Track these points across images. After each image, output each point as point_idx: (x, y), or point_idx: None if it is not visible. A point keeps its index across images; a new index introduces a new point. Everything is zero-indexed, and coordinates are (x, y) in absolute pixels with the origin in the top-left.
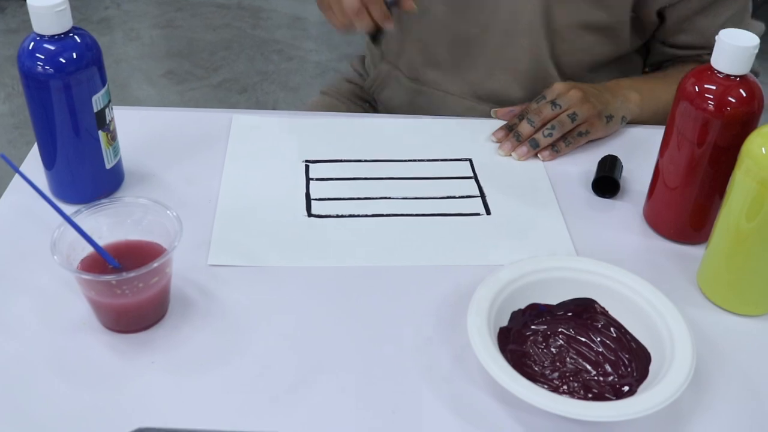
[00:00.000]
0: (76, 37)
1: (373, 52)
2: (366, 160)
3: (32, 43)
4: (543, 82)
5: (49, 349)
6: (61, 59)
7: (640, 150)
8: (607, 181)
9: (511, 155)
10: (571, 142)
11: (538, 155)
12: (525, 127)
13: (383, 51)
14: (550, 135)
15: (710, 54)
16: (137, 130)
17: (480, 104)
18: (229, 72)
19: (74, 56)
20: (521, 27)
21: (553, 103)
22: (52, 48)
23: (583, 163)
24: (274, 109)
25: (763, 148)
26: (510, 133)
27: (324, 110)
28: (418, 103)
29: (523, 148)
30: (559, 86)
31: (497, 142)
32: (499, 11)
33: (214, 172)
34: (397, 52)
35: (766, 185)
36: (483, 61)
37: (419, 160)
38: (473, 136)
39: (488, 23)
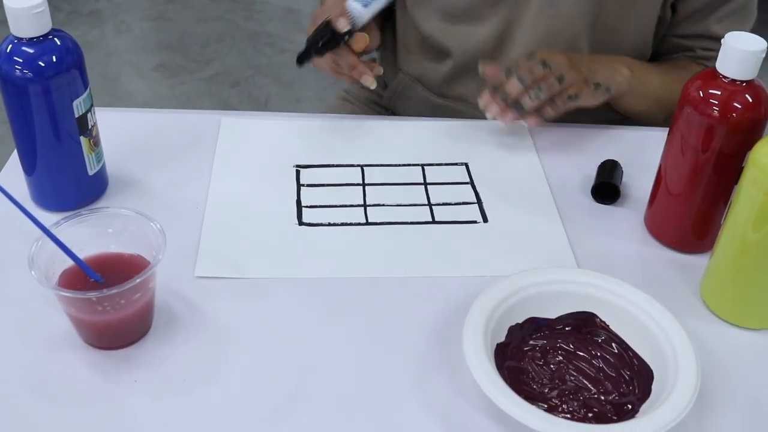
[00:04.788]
0: (56, 39)
1: (386, 59)
2: (358, 165)
3: (10, 46)
4: None
5: (28, 366)
6: (41, 63)
7: (641, 154)
8: (607, 187)
9: (496, 119)
10: (559, 107)
11: (524, 122)
12: (514, 86)
13: (398, 60)
14: (537, 97)
15: (704, 48)
16: (121, 132)
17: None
18: (221, 65)
19: (54, 59)
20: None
21: (544, 63)
22: (31, 51)
23: (583, 169)
24: (266, 103)
25: None
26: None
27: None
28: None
29: (509, 114)
30: (544, 51)
31: (483, 108)
32: (537, 29)
33: (202, 177)
34: (414, 62)
35: None
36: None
37: (413, 165)
38: (469, 139)
39: (510, 37)
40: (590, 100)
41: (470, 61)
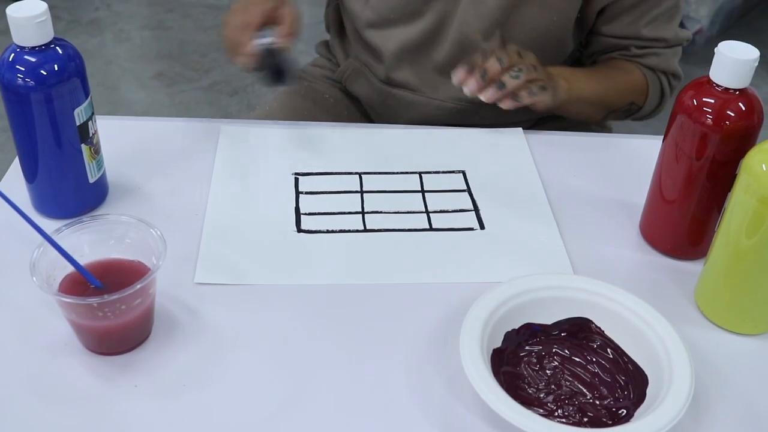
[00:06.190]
0: (57, 48)
1: (337, 40)
2: (356, 173)
3: (12, 55)
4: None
5: (29, 372)
6: (42, 71)
7: (637, 162)
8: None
9: (478, 96)
10: (535, 93)
11: (499, 103)
12: (494, 65)
13: (347, 47)
14: (517, 77)
15: (639, 47)
16: (122, 140)
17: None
18: (220, 74)
19: (56, 68)
20: (475, 38)
21: (519, 54)
22: (33, 60)
23: (579, 176)
24: None
25: (763, 165)
26: (473, 73)
27: (303, 93)
28: (389, 103)
29: (491, 90)
30: (514, 46)
31: (458, 83)
32: (453, 24)
33: (202, 184)
34: (359, 52)
35: (766, 203)
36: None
37: (411, 173)
38: (466, 147)
39: (443, 33)
40: (549, 100)
41: (405, 55)
